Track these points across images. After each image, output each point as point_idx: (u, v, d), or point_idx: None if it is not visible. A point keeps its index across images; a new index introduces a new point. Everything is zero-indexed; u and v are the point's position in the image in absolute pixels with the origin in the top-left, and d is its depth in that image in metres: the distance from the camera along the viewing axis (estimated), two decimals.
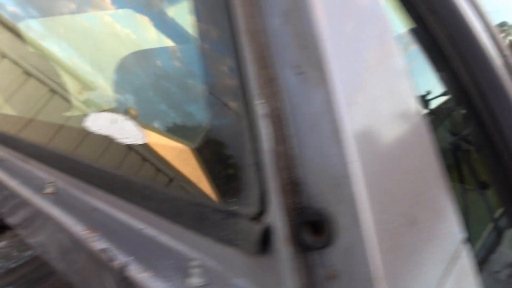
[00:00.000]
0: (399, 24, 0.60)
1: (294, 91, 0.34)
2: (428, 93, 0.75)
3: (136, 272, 0.42)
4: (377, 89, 0.35)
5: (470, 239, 0.42)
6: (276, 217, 0.35)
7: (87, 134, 0.71)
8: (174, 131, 0.55)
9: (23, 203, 0.71)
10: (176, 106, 0.58)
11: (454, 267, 0.37)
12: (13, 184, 0.77)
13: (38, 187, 0.72)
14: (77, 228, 0.56)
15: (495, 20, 0.71)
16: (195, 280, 0.39)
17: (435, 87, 0.71)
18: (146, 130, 0.57)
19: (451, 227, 0.38)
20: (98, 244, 0.50)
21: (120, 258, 0.46)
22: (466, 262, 0.39)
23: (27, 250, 1.31)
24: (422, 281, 0.33)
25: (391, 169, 0.34)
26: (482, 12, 0.67)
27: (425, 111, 0.73)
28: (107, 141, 0.64)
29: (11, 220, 0.86)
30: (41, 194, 0.70)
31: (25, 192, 0.72)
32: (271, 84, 0.36)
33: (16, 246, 1.37)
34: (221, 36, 0.41)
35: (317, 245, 0.33)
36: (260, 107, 0.35)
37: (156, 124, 0.60)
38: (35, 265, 1.22)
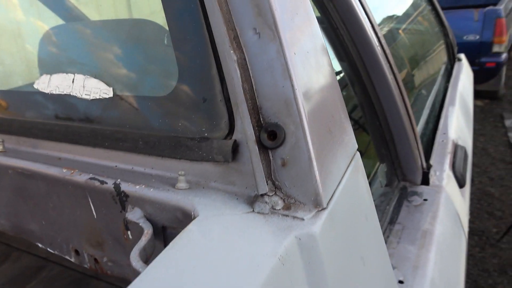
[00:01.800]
0: None
1: (254, 45, 0.51)
2: None
3: (130, 187, 0.54)
4: (307, 45, 0.53)
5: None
6: (246, 132, 0.51)
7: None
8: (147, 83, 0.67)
9: None
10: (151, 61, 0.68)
11: (351, 163, 0.58)
12: None
13: None
14: (53, 170, 0.63)
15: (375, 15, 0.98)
16: (182, 185, 0.53)
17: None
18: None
19: (350, 139, 0.59)
20: (84, 176, 0.59)
21: (110, 181, 0.57)
22: (359, 162, 0.60)
23: None
24: (336, 167, 0.53)
25: (318, 97, 0.53)
26: (366, 7, 0.92)
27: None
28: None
29: None
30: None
31: None
32: (237, 40, 0.51)
33: None
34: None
35: (273, 146, 0.50)
36: (231, 56, 0.50)
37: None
38: None
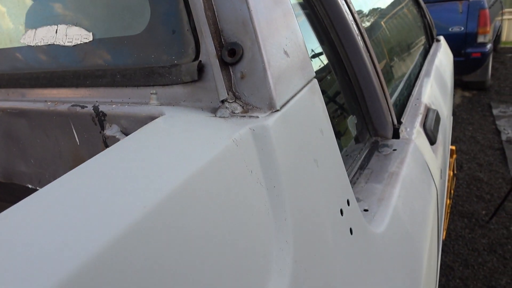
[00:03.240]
0: None
1: None
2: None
3: (107, 106, 0.60)
4: None
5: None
6: (209, 52, 0.57)
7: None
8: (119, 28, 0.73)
9: None
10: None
11: (308, 85, 0.64)
12: None
13: None
14: (38, 105, 0.69)
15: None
16: (154, 102, 0.59)
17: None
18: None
19: (307, 67, 0.66)
20: (66, 105, 0.65)
21: (89, 105, 0.63)
22: (315, 87, 0.67)
23: None
24: (291, 83, 0.60)
25: (273, 21, 0.60)
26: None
27: None
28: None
29: None
30: None
31: None
32: None
33: None
34: None
35: (233, 61, 0.57)
36: None
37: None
38: None
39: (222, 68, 0.57)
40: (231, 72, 0.57)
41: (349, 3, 1.12)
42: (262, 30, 0.56)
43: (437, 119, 1.33)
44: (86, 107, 0.62)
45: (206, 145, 0.45)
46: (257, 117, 0.53)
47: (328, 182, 0.60)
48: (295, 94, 0.59)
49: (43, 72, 0.78)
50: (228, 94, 0.56)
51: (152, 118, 0.56)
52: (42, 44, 0.79)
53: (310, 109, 0.61)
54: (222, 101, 0.55)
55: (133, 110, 0.57)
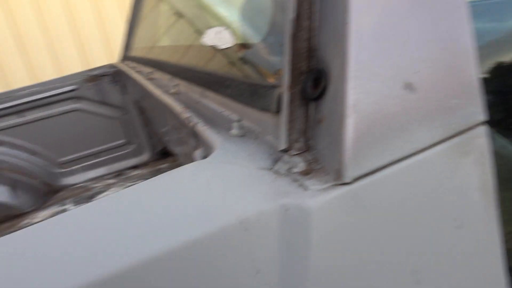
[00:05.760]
0: None
1: None
2: None
3: (200, 126, 0.56)
4: None
5: None
6: (284, 79, 0.42)
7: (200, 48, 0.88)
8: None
9: (157, 101, 0.94)
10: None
11: (451, 140, 0.38)
12: (157, 92, 1.01)
13: (167, 89, 0.94)
14: (179, 109, 0.73)
15: None
16: (235, 132, 0.50)
17: None
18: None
19: (468, 106, 0.39)
20: (186, 114, 0.66)
21: (194, 119, 0.60)
22: (474, 143, 0.39)
23: None
24: (404, 135, 0.37)
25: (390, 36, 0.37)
26: None
27: None
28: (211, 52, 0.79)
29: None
30: (168, 94, 0.92)
31: (159, 93, 0.94)
32: None
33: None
34: None
35: (314, 95, 0.39)
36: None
37: None
38: None
39: (294, 103, 0.41)
40: (308, 111, 0.41)
41: None
42: (363, 47, 0.36)
43: None
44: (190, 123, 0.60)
45: (207, 214, 0.33)
46: (307, 188, 0.35)
47: None
48: (406, 157, 0.36)
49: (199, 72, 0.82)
50: (297, 142, 0.40)
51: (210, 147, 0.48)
52: (212, 44, 0.83)
53: (438, 185, 0.36)
54: (284, 151, 0.40)
55: (211, 137, 0.51)
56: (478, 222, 0.36)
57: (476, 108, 0.39)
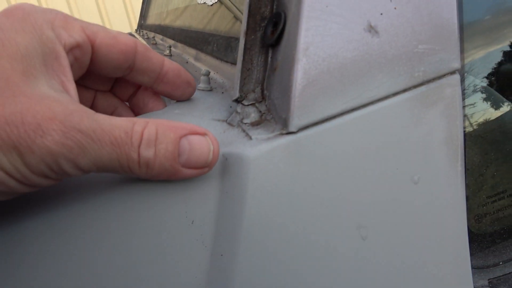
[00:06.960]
0: None
1: None
2: None
3: None
4: None
5: None
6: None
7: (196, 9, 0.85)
8: None
9: None
10: None
11: (410, 91, 0.34)
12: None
13: (162, 52, 0.92)
14: None
15: None
16: (201, 85, 0.47)
17: None
18: None
19: (434, 56, 0.35)
20: None
21: None
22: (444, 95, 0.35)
23: None
24: (358, 87, 0.33)
25: None
26: None
27: None
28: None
29: None
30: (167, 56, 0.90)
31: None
32: None
33: None
34: None
35: (271, 42, 0.36)
36: None
37: None
38: None
39: (253, 51, 0.38)
40: (268, 59, 0.38)
41: None
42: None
43: None
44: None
45: None
46: (250, 137, 0.33)
47: None
48: (360, 107, 0.32)
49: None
50: (253, 92, 0.38)
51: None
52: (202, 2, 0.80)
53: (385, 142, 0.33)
54: (237, 101, 0.38)
55: None
56: (439, 179, 0.33)
57: (449, 55, 0.34)
